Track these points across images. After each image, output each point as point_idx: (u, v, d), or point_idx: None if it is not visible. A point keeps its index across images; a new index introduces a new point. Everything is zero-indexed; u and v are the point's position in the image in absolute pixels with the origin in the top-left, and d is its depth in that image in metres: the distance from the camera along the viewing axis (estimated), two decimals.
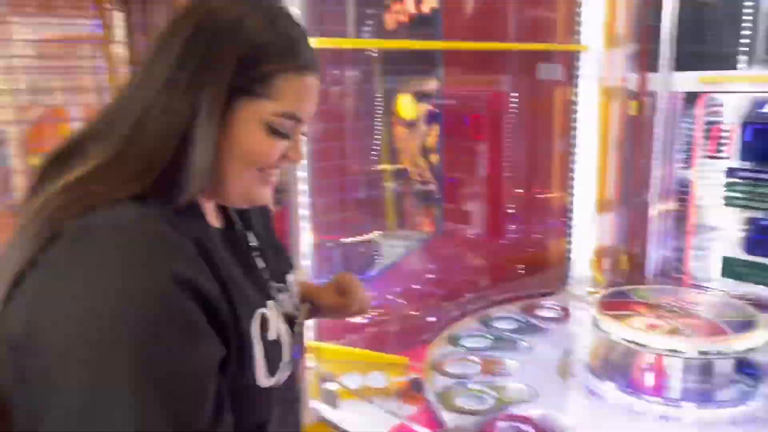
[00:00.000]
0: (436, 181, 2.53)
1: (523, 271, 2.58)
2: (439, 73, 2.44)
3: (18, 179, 2.48)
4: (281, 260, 1.01)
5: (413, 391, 1.62)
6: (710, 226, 2.27)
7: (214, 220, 0.86)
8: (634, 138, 2.35)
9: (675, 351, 1.45)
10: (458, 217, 2.62)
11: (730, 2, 2.14)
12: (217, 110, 0.75)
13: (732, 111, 2.14)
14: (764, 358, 1.63)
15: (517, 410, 1.49)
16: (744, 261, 2.15)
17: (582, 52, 2.31)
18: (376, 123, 2.57)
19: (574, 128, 2.39)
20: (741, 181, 2.13)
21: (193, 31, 0.76)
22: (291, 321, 0.93)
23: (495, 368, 1.72)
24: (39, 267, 0.69)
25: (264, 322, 0.83)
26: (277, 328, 0.86)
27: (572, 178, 2.44)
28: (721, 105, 2.17)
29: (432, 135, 2.55)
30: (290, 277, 1.00)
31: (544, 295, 2.29)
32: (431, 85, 2.51)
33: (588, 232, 2.43)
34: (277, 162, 0.83)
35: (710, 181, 2.23)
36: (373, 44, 2.37)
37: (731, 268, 2.17)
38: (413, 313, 2.23)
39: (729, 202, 2.16)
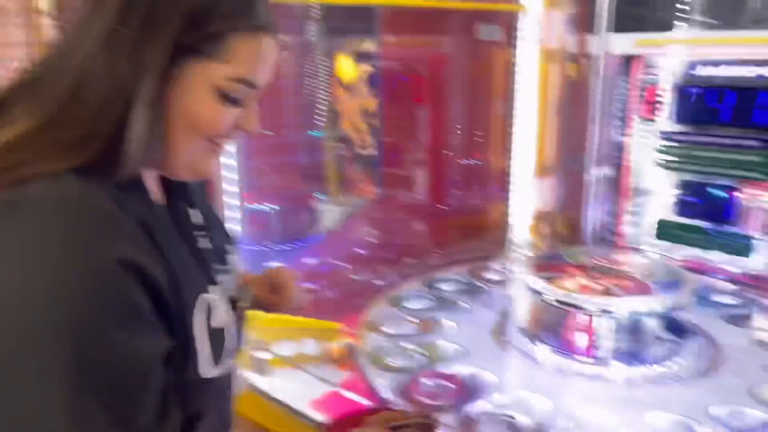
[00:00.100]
0: (376, 145, 2.48)
1: (464, 236, 2.57)
2: (378, 33, 2.38)
3: None
4: (222, 237, 0.93)
5: (347, 357, 1.59)
6: (645, 190, 2.30)
7: (156, 195, 0.79)
8: (573, 101, 2.35)
9: (605, 311, 1.46)
10: (399, 181, 2.58)
11: None
12: (162, 72, 0.68)
13: (668, 74, 2.15)
14: (690, 317, 1.67)
15: (445, 369, 1.50)
16: (677, 223, 2.18)
17: (522, 14, 2.27)
18: (315, 85, 2.50)
19: (514, 91, 2.37)
20: (675, 144, 2.15)
21: None
22: (234, 305, 0.87)
23: (431, 328, 1.73)
24: None
25: (209, 309, 0.78)
26: (223, 314, 0.81)
27: (512, 143, 2.43)
28: (658, 67, 2.18)
29: (372, 98, 2.49)
30: (232, 257, 0.93)
31: (484, 259, 2.29)
32: (370, 45, 2.45)
33: (527, 197, 2.43)
34: (227, 132, 0.77)
35: (645, 144, 2.25)
36: None
37: (665, 231, 2.21)
38: (353, 278, 2.20)
39: (663, 165, 2.19)
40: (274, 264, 1.16)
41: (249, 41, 0.72)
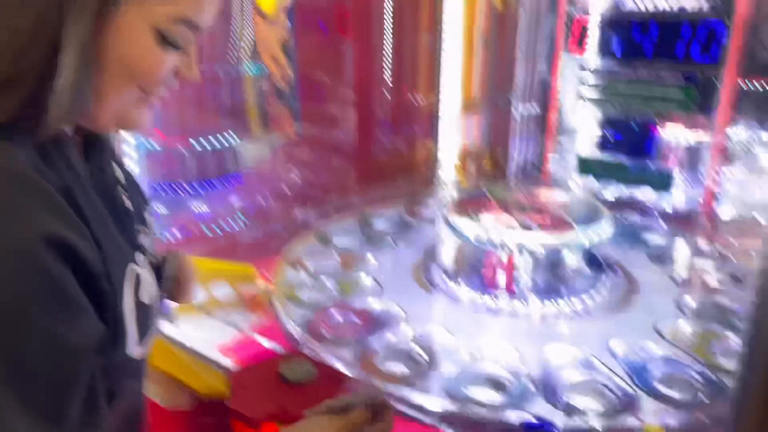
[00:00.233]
0: (296, 80, 2.36)
1: (392, 174, 2.51)
2: None
3: None
4: (137, 194, 0.83)
5: (261, 300, 1.53)
6: (570, 126, 2.28)
7: (77, 152, 0.69)
8: (499, 36, 2.29)
9: (522, 247, 1.44)
10: (322, 118, 2.48)
11: None
12: (92, 8, 0.59)
13: (594, 7, 2.11)
14: (610, 252, 1.68)
15: (357, 303, 1.50)
16: (598, 159, 2.19)
17: None
18: (234, 15, 2.34)
19: (441, 23, 2.28)
20: (600, 79, 2.13)
21: None
22: (158, 273, 0.79)
23: (354, 264, 1.71)
24: None
25: (138, 282, 0.70)
26: (150, 287, 0.73)
27: (439, 78, 2.35)
28: (584, 1, 2.13)
29: (291, 30, 2.36)
30: (149, 217, 0.84)
31: (412, 197, 2.25)
32: None
33: (454, 134, 2.38)
34: (164, 79, 0.67)
35: (572, 80, 2.22)
36: None
37: (586, 167, 2.21)
38: (275, 218, 2.12)
39: (588, 100, 2.17)
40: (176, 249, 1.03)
41: None
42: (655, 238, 1.91)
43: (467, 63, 2.32)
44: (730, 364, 1.23)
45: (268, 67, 2.43)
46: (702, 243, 1.82)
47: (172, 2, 0.63)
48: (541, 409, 1.12)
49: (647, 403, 1.13)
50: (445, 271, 1.62)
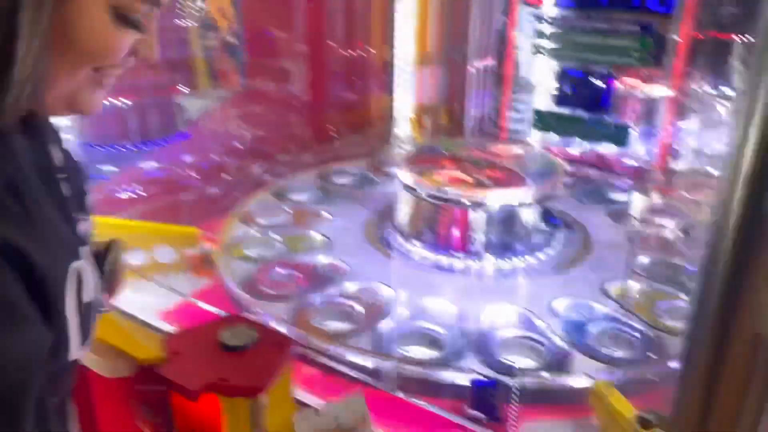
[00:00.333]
0: (243, 33, 2.25)
1: (346, 131, 2.44)
2: None
3: None
4: (77, 176, 0.75)
5: (206, 263, 1.47)
6: (527, 80, 2.23)
7: (19, 139, 0.62)
8: None
9: (476, 204, 1.40)
10: (271, 72, 2.38)
11: None
12: None
13: None
14: (566, 208, 1.65)
15: (303, 259, 1.47)
16: (554, 114, 2.15)
17: None
18: None
19: None
20: (556, 29, 2.07)
21: None
22: (96, 259, 0.72)
23: (306, 220, 1.69)
24: None
25: (80, 280, 0.64)
26: (92, 284, 0.67)
27: (393, 31, 2.26)
28: None
29: None
30: (88, 199, 0.77)
31: (368, 154, 2.19)
32: None
33: (409, 89, 2.31)
34: (121, 60, 0.62)
35: (528, 32, 2.16)
36: None
37: (543, 121, 2.16)
38: (231, 175, 2.04)
39: (544, 52, 2.11)
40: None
41: None
42: (616, 195, 1.89)
43: (422, 15, 2.23)
44: (674, 323, 1.22)
45: (215, 19, 2.31)
46: (657, 197, 1.81)
47: None
48: (473, 365, 1.10)
49: (581, 361, 1.11)
50: (398, 229, 1.58)
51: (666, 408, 0.84)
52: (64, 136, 0.76)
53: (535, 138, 2.21)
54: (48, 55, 0.55)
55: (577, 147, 2.16)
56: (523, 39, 2.18)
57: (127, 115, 2.13)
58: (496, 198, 1.40)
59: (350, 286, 1.36)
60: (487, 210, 1.41)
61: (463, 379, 1.05)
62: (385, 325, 1.23)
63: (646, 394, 1.04)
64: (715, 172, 1.88)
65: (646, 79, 2.00)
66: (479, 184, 1.44)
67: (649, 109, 2.04)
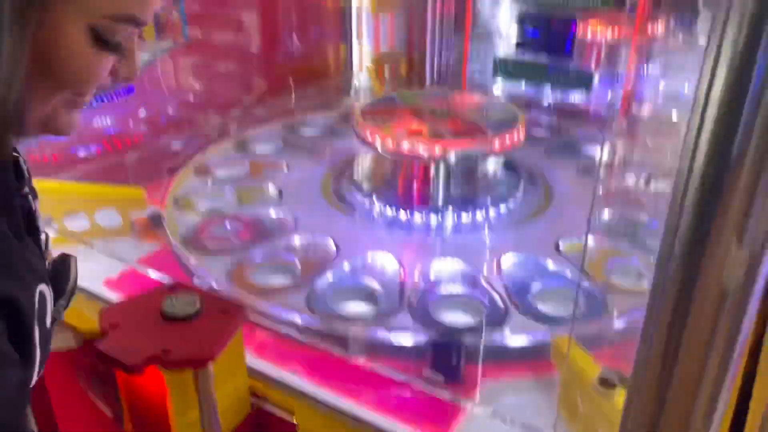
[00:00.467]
0: None
1: (301, 82, 2.34)
2: None
3: None
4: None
5: (152, 227, 1.39)
6: (488, 26, 2.16)
7: None
8: None
9: (434, 156, 1.35)
10: (222, 22, 2.25)
11: None
12: (25, 6, 0.49)
13: None
14: (524, 156, 1.61)
15: (252, 212, 1.43)
16: (516, 61, 2.08)
17: None
18: None
19: None
20: None
21: None
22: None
23: (264, 172, 1.64)
24: None
25: (42, 303, 0.61)
26: (52, 306, 0.64)
27: None
28: None
29: None
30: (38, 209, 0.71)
31: (325, 106, 2.11)
32: None
33: (366, 37, 2.22)
34: (100, 82, 0.59)
35: None
36: None
37: (505, 69, 2.10)
38: (184, 128, 1.95)
39: None
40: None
41: None
42: (586, 149, 1.84)
43: None
44: (623, 282, 1.19)
45: None
46: (622, 148, 1.77)
47: None
48: (406, 323, 1.07)
49: (519, 319, 1.08)
50: (356, 183, 1.52)
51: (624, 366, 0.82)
52: None
53: (499, 88, 2.15)
54: (26, 84, 0.52)
55: (543, 96, 2.10)
56: None
57: None
58: (455, 150, 1.34)
59: (294, 241, 1.32)
60: (445, 163, 1.36)
61: (400, 338, 1.04)
62: (322, 282, 1.19)
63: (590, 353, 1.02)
64: (677, 118, 1.85)
65: (610, 23, 1.95)
66: (438, 136, 1.38)
67: (612, 54, 2.00)
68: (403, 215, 1.39)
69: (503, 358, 1.03)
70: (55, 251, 0.77)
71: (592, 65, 2.01)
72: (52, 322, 0.65)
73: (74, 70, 0.55)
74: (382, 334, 1.05)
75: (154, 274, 1.21)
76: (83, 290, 1.21)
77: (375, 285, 1.18)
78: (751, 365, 0.63)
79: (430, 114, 1.49)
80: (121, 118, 1.90)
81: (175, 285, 0.99)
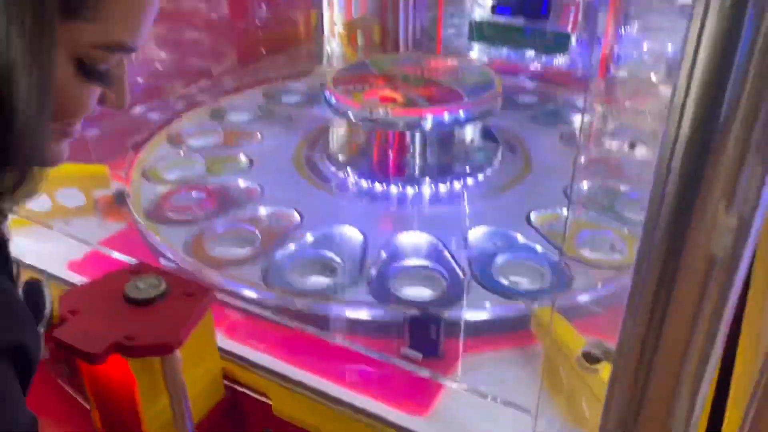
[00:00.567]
0: None
1: (273, 50, 2.26)
2: None
3: None
4: None
5: (117, 205, 1.34)
6: None
7: None
8: None
9: (408, 124, 1.30)
10: None
11: None
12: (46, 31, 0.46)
13: None
14: (502, 122, 1.57)
15: (220, 182, 1.40)
16: (492, 23, 2.03)
17: None
18: None
19: None
20: None
21: None
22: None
23: (237, 140, 1.61)
24: None
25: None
26: None
27: None
28: None
29: None
30: None
31: (296, 75, 2.04)
32: None
33: (338, 2, 2.14)
34: (89, 112, 0.55)
35: None
36: None
37: (480, 33, 2.05)
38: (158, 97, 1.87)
39: None
40: None
41: None
42: (569, 113, 1.79)
43: None
44: (593, 255, 1.15)
45: None
46: (600, 109, 1.73)
47: (102, 23, 0.48)
48: (362, 296, 1.04)
49: (479, 293, 1.05)
50: (329, 153, 1.47)
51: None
52: None
53: (476, 52, 2.09)
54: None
55: (528, 62, 2.05)
56: None
57: None
58: (429, 117, 1.30)
59: (257, 212, 1.28)
60: (420, 131, 1.31)
61: (356, 312, 1.02)
62: (281, 254, 1.15)
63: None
64: (656, 78, 1.82)
65: None
66: (412, 103, 1.33)
67: (589, 16, 1.95)
68: (374, 186, 1.35)
69: (483, 332, 1.00)
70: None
71: (569, 27, 1.97)
72: None
73: (61, 102, 0.51)
74: (338, 309, 1.03)
75: (119, 256, 1.15)
76: (44, 273, 1.16)
77: (335, 258, 1.14)
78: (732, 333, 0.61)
79: (403, 80, 1.44)
80: None
81: (139, 266, 0.94)
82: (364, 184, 1.36)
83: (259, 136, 1.62)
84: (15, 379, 0.52)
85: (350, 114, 1.33)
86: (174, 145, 1.58)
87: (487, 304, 1.02)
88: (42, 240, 1.23)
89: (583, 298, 1.04)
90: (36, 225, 1.25)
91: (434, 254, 1.15)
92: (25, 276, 0.68)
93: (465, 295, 1.03)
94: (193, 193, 1.35)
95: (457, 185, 1.36)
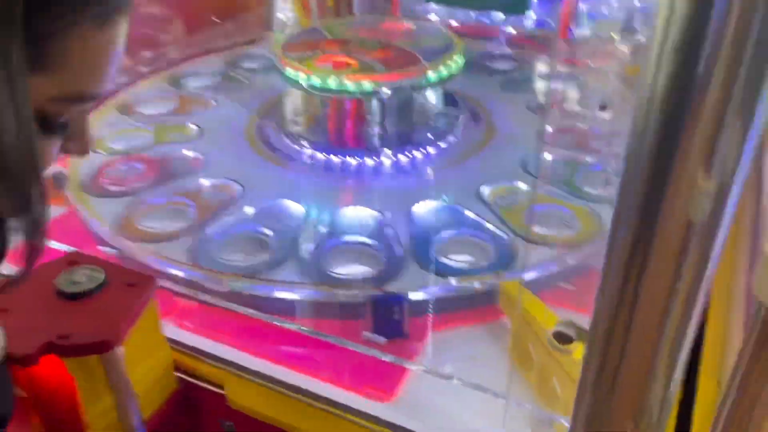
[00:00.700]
0: None
1: (221, 16, 2.15)
2: None
3: None
4: None
5: (57, 188, 1.24)
6: None
7: None
8: None
9: (365, 91, 1.23)
10: None
11: None
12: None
13: None
14: (470, 90, 1.50)
15: (163, 151, 1.35)
16: None
17: None
18: None
19: None
20: None
21: None
22: None
23: (190, 109, 1.54)
24: None
25: None
26: None
27: None
28: None
29: None
30: None
31: (246, 43, 1.95)
32: None
33: None
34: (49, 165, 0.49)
35: None
36: None
37: None
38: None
39: None
40: None
41: (95, 35, 0.43)
42: (509, 67, 1.74)
43: None
44: (544, 230, 1.09)
45: None
46: (561, 67, 1.68)
47: (60, 74, 0.43)
48: (290, 274, 0.99)
49: (415, 271, 1.00)
50: (278, 123, 1.40)
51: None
52: None
53: (439, 16, 2.01)
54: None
55: (492, 24, 1.97)
56: None
57: None
58: (385, 82, 1.23)
59: (196, 184, 1.22)
60: (376, 98, 1.25)
61: (284, 292, 0.97)
62: (212, 230, 1.09)
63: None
64: (618, 38, 1.77)
65: None
66: (367, 69, 1.25)
67: None
68: (326, 158, 1.28)
69: (446, 310, 0.95)
70: None
71: None
72: None
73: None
74: (265, 289, 0.98)
75: (56, 245, 1.07)
76: None
77: (267, 233, 1.09)
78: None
79: (358, 45, 1.37)
80: None
81: (74, 256, 0.87)
82: (316, 155, 1.29)
83: (213, 103, 1.55)
84: None
85: (301, 82, 1.25)
86: (125, 115, 1.50)
87: (426, 283, 0.97)
88: None
89: (528, 275, 0.99)
90: None
91: (375, 230, 1.09)
92: None
93: (401, 274, 0.98)
94: (135, 165, 1.28)
95: (413, 156, 1.30)
